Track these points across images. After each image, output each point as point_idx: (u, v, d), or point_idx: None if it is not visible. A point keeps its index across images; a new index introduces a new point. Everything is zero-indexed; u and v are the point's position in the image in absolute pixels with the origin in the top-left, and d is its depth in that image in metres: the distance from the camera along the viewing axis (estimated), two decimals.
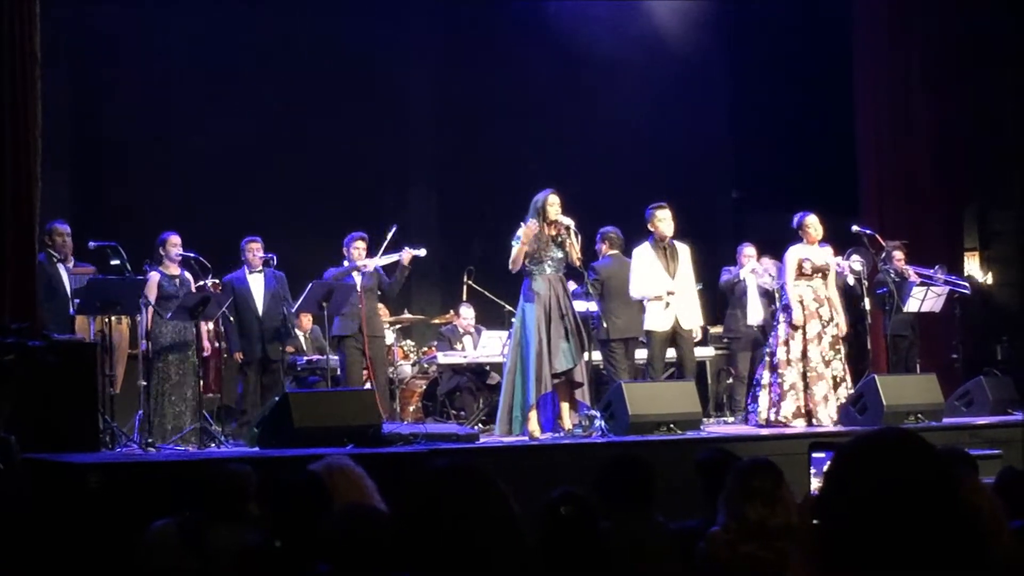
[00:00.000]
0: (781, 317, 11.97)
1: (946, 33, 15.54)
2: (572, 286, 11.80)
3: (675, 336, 11.92)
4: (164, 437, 10.90)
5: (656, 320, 11.86)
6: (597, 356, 12.29)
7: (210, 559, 5.41)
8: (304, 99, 15.68)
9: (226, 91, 15.10)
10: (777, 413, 11.67)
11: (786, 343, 11.77)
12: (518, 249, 10.93)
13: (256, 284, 12.11)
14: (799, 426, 11.49)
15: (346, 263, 12.41)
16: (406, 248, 12.42)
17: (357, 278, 12.34)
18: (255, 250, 12.09)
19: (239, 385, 12.17)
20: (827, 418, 11.56)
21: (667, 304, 11.79)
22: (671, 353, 12.15)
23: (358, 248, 12.41)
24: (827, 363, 11.74)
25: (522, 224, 10.97)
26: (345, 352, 12.38)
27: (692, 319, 11.99)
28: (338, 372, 12.82)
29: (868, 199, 15.60)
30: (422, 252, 12.55)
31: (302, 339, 13.98)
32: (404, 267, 12.40)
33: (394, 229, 12.36)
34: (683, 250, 12.00)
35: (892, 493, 2.28)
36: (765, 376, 11.90)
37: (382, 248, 12.40)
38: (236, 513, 5.63)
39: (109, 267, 11.23)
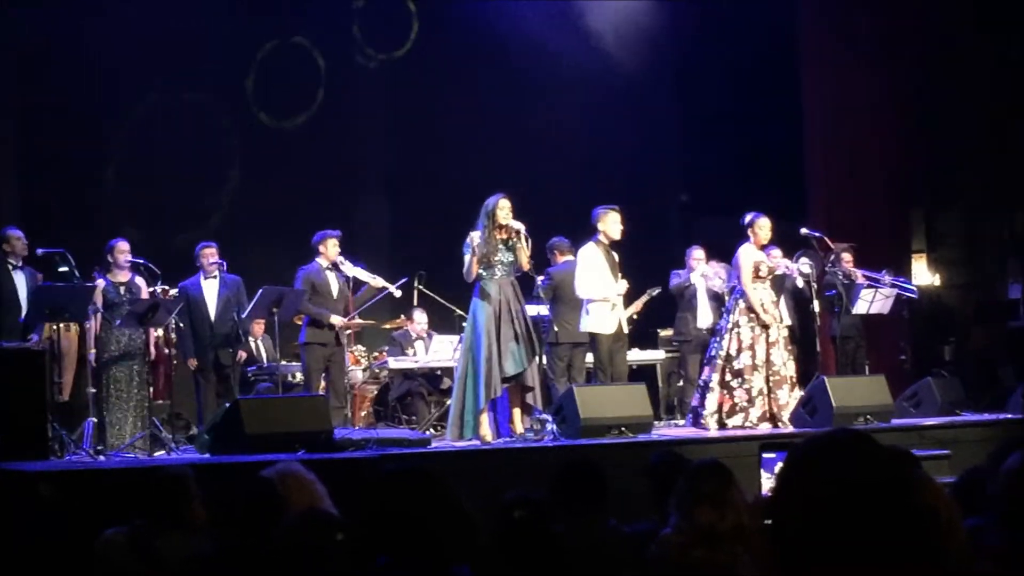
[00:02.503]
0: (739, 320, 11.79)
1: (892, 38, 15.67)
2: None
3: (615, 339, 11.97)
4: (111, 444, 10.86)
5: (602, 323, 11.79)
6: None
7: (161, 567, 5.39)
8: (256, 103, 15.60)
9: (179, 96, 15.00)
10: (746, 418, 11.67)
11: (751, 347, 11.68)
12: (470, 259, 10.91)
13: (210, 290, 12.00)
14: (765, 430, 11.49)
15: (323, 261, 12.23)
16: (385, 283, 12.44)
17: (336, 281, 12.27)
18: (209, 256, 11.99)
19: (196, 394, 12.07)
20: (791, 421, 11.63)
21: (613, 306, 11.79)
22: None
23: (335, 246, 12.25)
24: (786, 365, 11.80)
25: (471, 233, 10.95)
26: (313, 356, 12.17)
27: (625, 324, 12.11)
28: (297, 377, 12.71)
29: (816, 202, 15.72)
30: (397, 293, 12.58)
31: (253, 346, 13.87)
32: (373, 291, 12.33)
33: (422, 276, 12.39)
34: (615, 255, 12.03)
35: (844, 493, 2.29)
36: (715, 379, 11.84)
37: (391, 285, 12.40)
38: (181, 516, 5.62)
39: (57, 274, 11.15)
